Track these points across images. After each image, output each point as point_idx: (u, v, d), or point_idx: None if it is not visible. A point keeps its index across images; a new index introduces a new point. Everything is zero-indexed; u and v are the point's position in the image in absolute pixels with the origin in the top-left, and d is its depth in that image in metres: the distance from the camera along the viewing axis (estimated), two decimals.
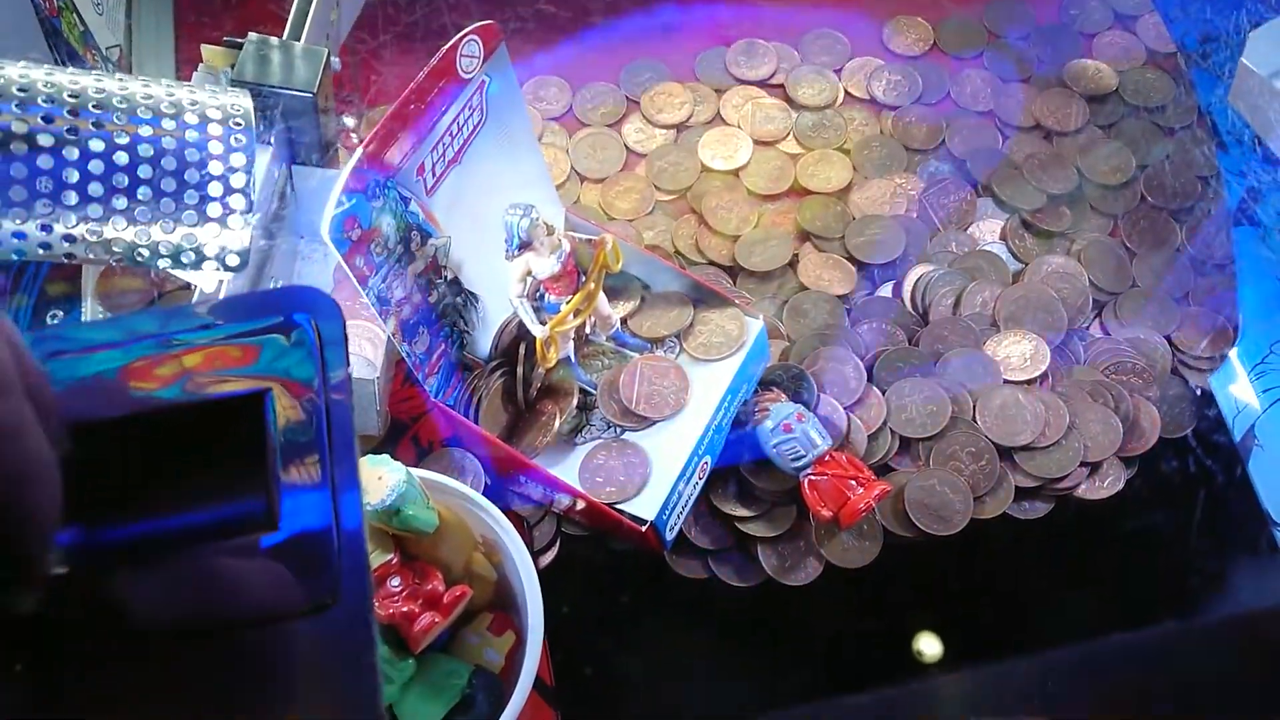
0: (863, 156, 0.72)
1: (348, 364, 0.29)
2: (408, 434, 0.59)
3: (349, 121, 0.66)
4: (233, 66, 0.50)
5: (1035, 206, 0.69)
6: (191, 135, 0.37)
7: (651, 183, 0.70)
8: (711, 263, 0.67)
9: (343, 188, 0.43)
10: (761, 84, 0.75)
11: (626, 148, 0.71)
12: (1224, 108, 0.70)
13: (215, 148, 0.37)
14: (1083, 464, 0.60)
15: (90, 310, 0.58)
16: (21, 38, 0.53)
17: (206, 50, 0.51)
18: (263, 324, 0.29)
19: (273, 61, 0.50)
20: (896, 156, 0.72)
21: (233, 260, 0.38)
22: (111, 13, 0.67)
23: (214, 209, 0.37)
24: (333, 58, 0.59)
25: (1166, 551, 0.60)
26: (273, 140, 0.49)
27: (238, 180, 0.37)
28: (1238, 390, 0.64)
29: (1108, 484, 0.60)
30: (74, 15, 0.61)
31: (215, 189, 0.37)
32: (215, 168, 0.37)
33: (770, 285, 0.66)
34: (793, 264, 0.67)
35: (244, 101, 0.38)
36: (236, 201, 0.37)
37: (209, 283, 0.41)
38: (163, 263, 0.37)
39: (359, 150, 0.43)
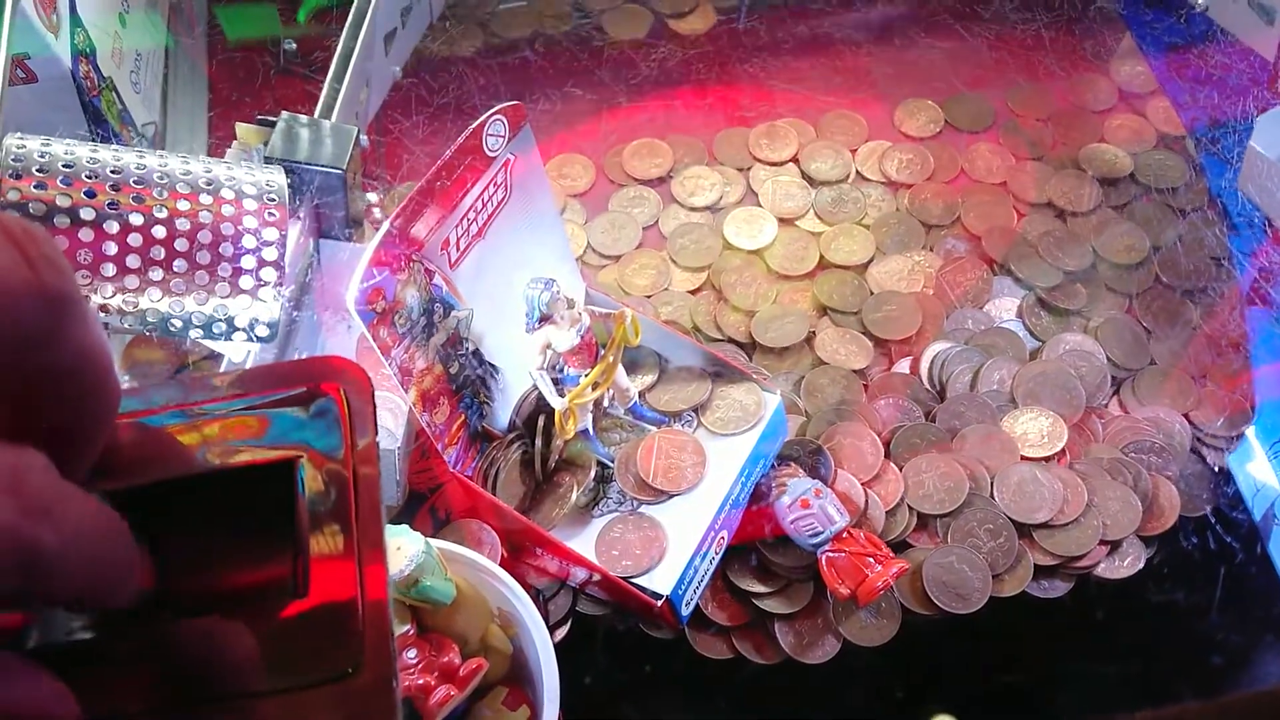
0: (881, 233, 0.73)
1: (375, 433, 0.30)
2: (425, 504, 0.59)
3: (373, 198, 0.68)
4: (265, 144, 0.51)
5: (1051, 284, 0.70)
6: (227, 210, 0.38)
7: (670, 259, 0.71)
8: (729, 339, 0.68)
9: (369, 261, 0.44)
10: (782, 164, 0.77)
11: (643, 226, 0.73)
12: (1234, 191, 0.71)
13: (250, 222, 0.38)
14: (1102, 542, 0.60)
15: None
16: (66, 116, 0.55)
17: (240, 128, 0.53)
18: (289, 394, 0.30)
19: (304, 139, 0.51)
20: (914, 233, 0.73)
21: (262, 331, 0.39)
22: (148, 91, 0.69)
23: (246, 281, 0.38)
24: (362, 135, 0.61)
25: (1188, 631, 0.59)
26: (302, 215, 0.51)
27: (270, 254, 0.38)
28: (1256, 469, 0.64)
29: (1127, 563, 0.60)
30: (113, 94, 0.63)
31: (248, 262, 0.38)
32: (249, 242, 0.38)
33: (787, 361, 0.67)
34: (809, 340, 0.68)
35: (278, 178, 0.39)
36: (268, 274, 0.38)
37: (238, 353, 0.42)
38: (195, 333, 0.38)
39: (386, 224, 0.45)
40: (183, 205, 0.37)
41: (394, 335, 0.47)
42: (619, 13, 0.83)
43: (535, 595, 0.58)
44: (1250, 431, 0.65)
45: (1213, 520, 0.62)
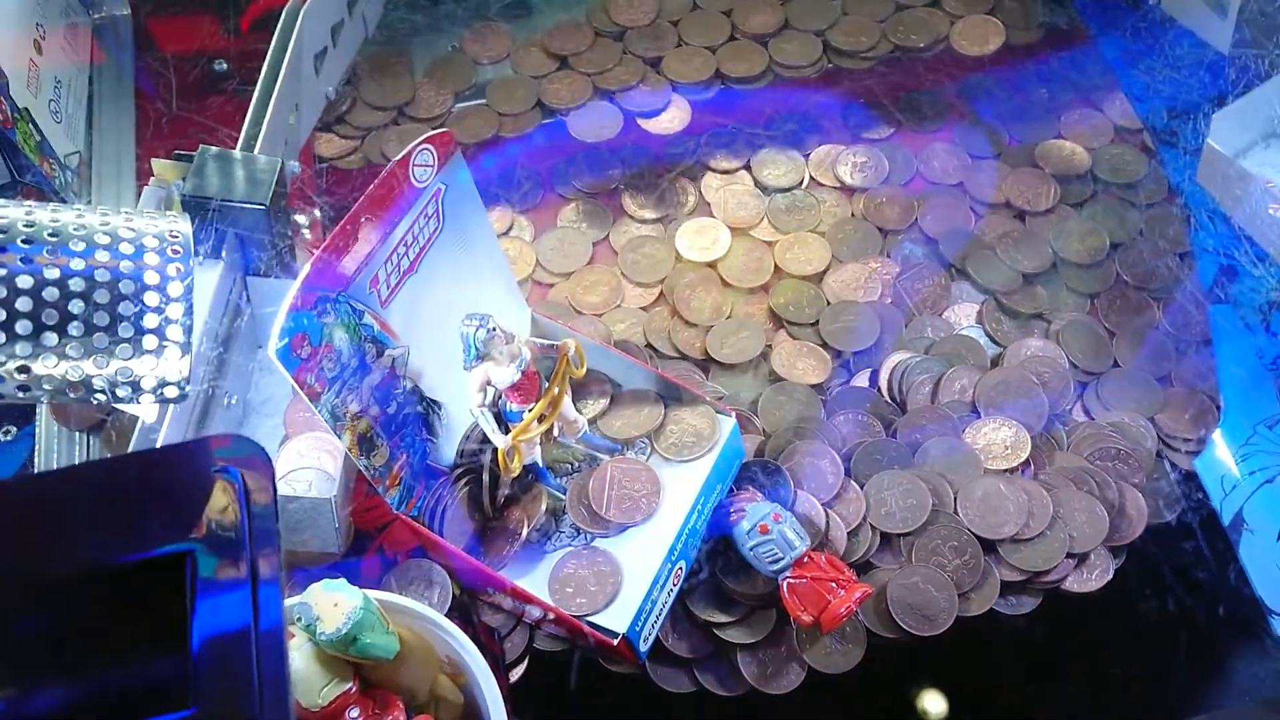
0: (836, 240, 0.71)
1: (276, 528, 0.28)
2: (374, 545, 0.57)
3: (301, 219, 0.65)
4: (185, 179, 0.49)
5: (1010, 287, 0.68)
6: (126, 266, 0.36)
7: (621, 274, 0.69)
8: (684, 355, 0.66)
9: (289, 307, 0.42)
10: (733, 171, 0.74)
11: (593, 241, 0.70)
12: (1194, 185, 0.69)
13: (151, 278, 0.36)
14: (1069, 555, 0.58)
15: (44, 428, 0.57)
16: None
17: (157, 164, 0.50)
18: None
19: (224, 173, 0.49)
20: (870, 238, 0.71)
21: (171, 392, 0.36)
22: (71, 120, 0.66)
23: (149, 341, 0.35)
24: (291, 163, 0.58)
25: (1160, 643, 0.58)
26: (224, 254, 0.48)
27: (175, 311, 0.36)
28: (1224, 472, 0.63)
29: (1096, 575, 0.59)
30: (29, 125, 0.60)
31: (151, 320, 0.36)
32: (150, 298, 0.36)
33: (744, 377, 0.65)
34: (766, 354, 0.66)
35: (182, 226, 0.37)
36: (174, 333, 0.36)
37: (150, 414, 0.39)
38: (98, 397, 0.35)
39: (306, 267, 0.42)
40: (76, 264, 0.35)
41: (322, 380, 0.45)
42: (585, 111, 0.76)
43: (490, 633, 0.56)
44: (1217, 434, 0.64)
45: (1181, 526, 0.61)
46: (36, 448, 0.57)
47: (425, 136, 0.47)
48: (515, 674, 0.56)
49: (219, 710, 0.25)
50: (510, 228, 0.71)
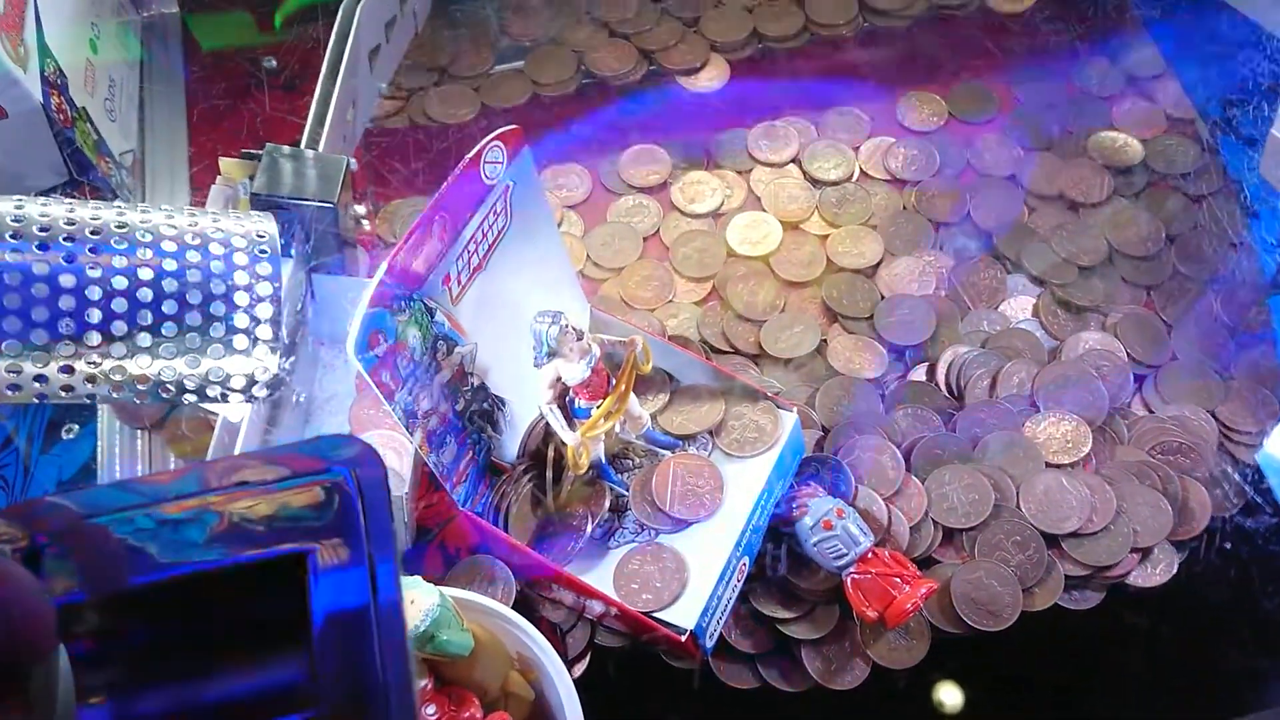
0: (888, 233, 0.71)
1: (391, 520, 0.28)
2: (435, 541, 0.57)
3: (359, 209, 0.65)
4: (251, 178, 0.49)
5: (1065, 280, 0.68)
6: (216, 266, 0.36)
7: (673, 269, 0.69)
8: (737, 350, 0.66)
9: (368, 303, 0.42)
10: (783, 165, 0.74)
11: (644, 236, 0.70)
12: (1251, 173, 0.69)
13: (241, 278, 0.36)
14: (1133, 550, 0.58)
15: (105, 426, 0.57)
16: (39, 152, 0.53)
17: (225, 163, 0.50)
18: (305, 479, 0.28)
19: (290, 171, 0.49)
20: (922, 231, 0.71)
21: (260, 391, 0.36)
22: (124, 117, 0.66)
23: (240, 341, 0.35)
24: (350, 160, 0.58)
25: (1225, 638, 0.58)
26: (294, 251, 0.48)
27: (264, 310, 0.36)
28: None
29: (1160, 570, 0.58)
30: (87, 125, 0.60)
31: (241, 320, 0.36)
32: (241, 298, 0.36)
33: (799, 371, 0.65)
34: (821, 349, 0.65)
35: (269, 227, 0.37)
36: (264, 332, 0.36)
37: (236, 413, 0.39)
38: (188, 398, 0.36)
39: (384, 264, 0.42)
40: (169, 264, 0.35)
41: (396, 378, 0.45)
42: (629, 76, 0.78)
43: (552, 630, 0.56)
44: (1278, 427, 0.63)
45: (1245, 519, 0.60)
46: (99, 445, 0.58)
47: (495, 134, 0.47)
48: (578, 670, 0.55)
49: (343, 704, 0.25)
50: (560, 222, 0.71)
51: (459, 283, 0.48)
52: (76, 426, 0.58)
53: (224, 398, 0.36)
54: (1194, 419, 0.63)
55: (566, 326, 0.47)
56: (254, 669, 0.27)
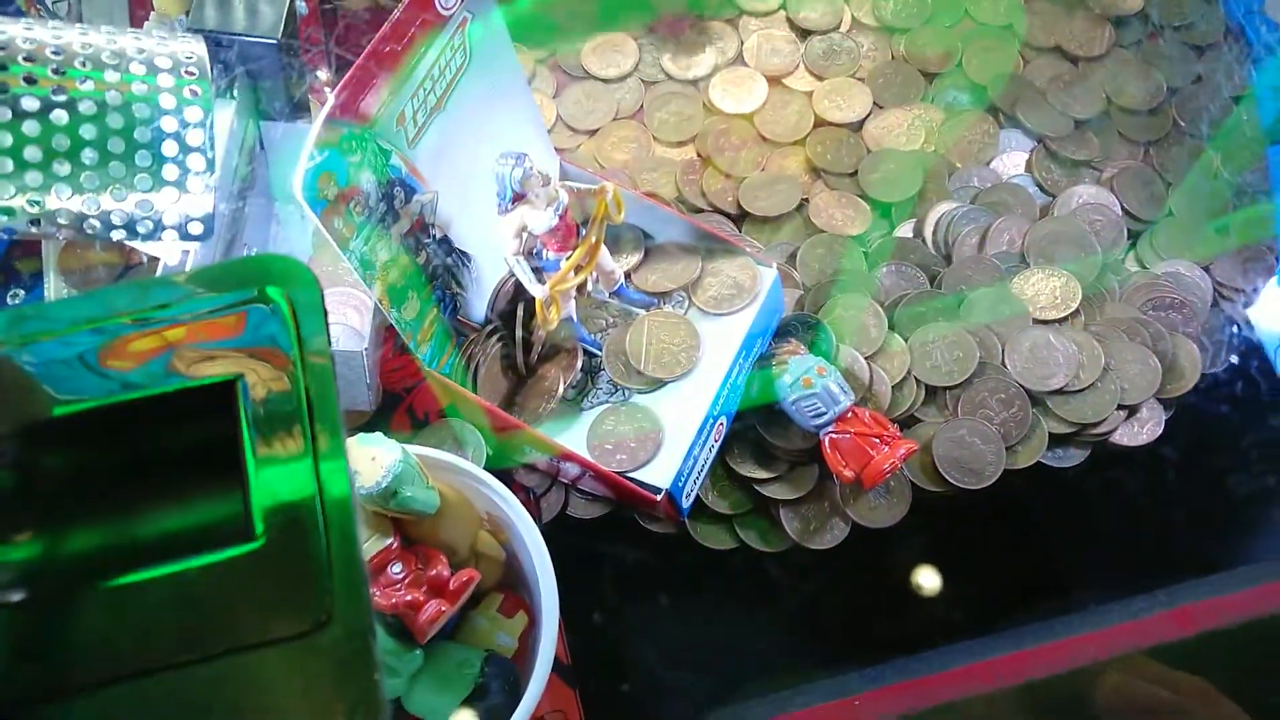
0: (876, 85, 0.67)
1: (326, 332, 0.25)
2: (402, 405, 0.55)
3: (321, 75, 0.61)
4: (188, 14, 0.45)
5: (1061, 133, 0.65)
6: (139, 89, 0.33)
7: (653, 137, 0.65)
8: (715, 209, 0.63)
9: (315, 141, 0.39)
10: (770, 13, 0.70)
11: (619, 99, 0.67)
12: (1253, 18, 0.65)
13: (167, 101, 0.33)
14: (1120, 407, 0.56)
15: (54, 288, 0.54)
16: None
17: None
18: (237, 297, 0.26)
19: (231, 6, 0.45)
20: (912, 83, 0.68)
21: (195, 228, 0.34)
22: None
23: (170, 171, 0.33)
24: (299, 1, 0.54)
25: (1210, 496, 0.57)
26: (235, 94, 0.45)
27: (194, 137, 0.33)
28: (1278, 320, 0.60)
29: (1146, 428, 0.57)
30: None
31: (170, 148, 0.33)
32: (168, 124, 0.33)
33: (780, 230, 0.62)
34: (802, 206, 0.63)
35: (197, 48, 0.34)
36: (195, 162, 0.33)
37: (172, 254, 0.37)
38: (116, 234, 0.33)
39: (331, 98, 0.39)
40: (86, 85, 0.32)
41: (350, 225, 0.42)
42: None
43: (525, 494, 0.55)
44: (1272, 281, 0.61)
45: (1235, 377, 0.59)
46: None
47: None
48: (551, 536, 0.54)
49: (282, 543, 0.23)
50: (532, 77, 0.68)
51: (415, 123, 0.45)
52: (21, 291, 0.56)
53: (156, 235, 0.33)
54: (1188, 275, 0.61)
55: (531, 169, 0.45)
56: (187, 501, 0.25)
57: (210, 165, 0.33)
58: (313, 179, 0.39)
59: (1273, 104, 0.64)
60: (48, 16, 0.58)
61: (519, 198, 0.45)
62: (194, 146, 0.33)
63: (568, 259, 0.48)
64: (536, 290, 0.48)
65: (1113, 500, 0.57)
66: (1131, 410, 0.57)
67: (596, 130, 0.66)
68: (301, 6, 0.55)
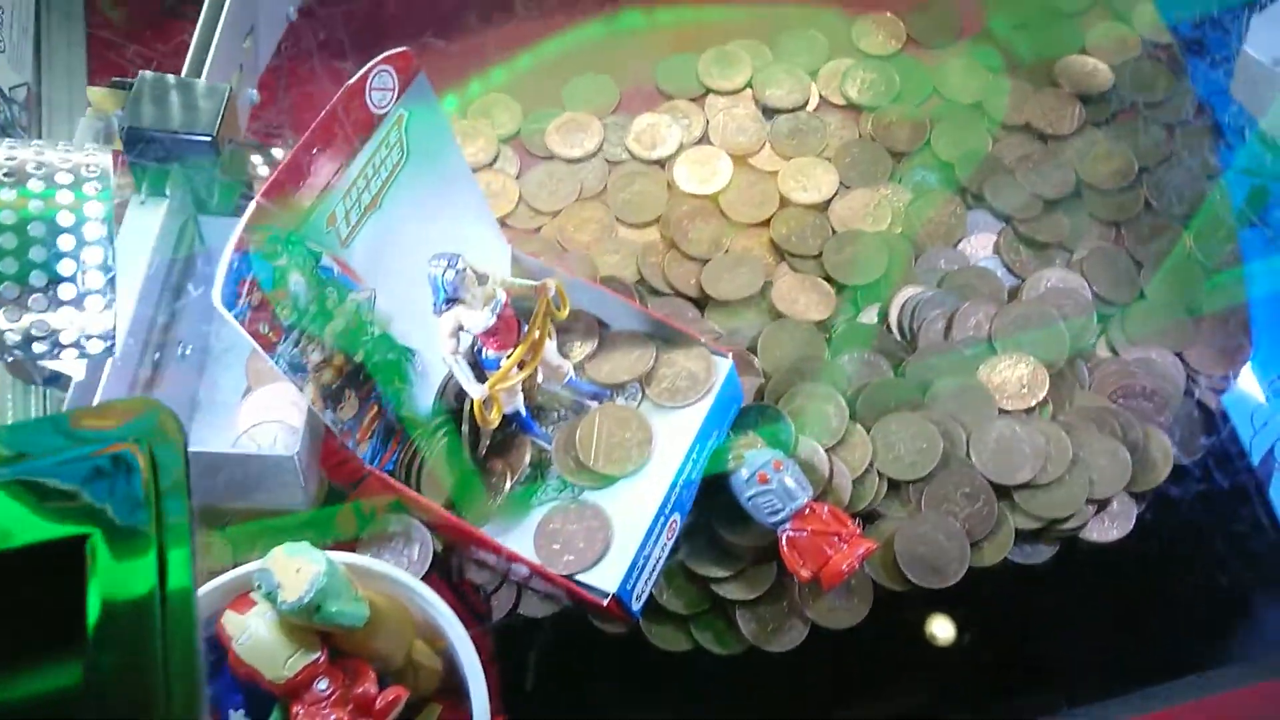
0: (843, 164, 0.66)
1: (189, 497, 0.24)
2: (349, 499, 0.54)
3: (278, 154, 0.61)
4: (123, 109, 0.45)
5: (1029, 214, 0.64)
6: (35, 206, 0.31)
7: (616, 219, 0.64)
8: (678, 293, 0.62)
9: (233, 248, 0.38)
10: (736, 92, 0.70)
11: (582, 179, 0.66)
12: (1225, 99, 0.64)
13: (65, 219, 0.32)
14: (1089, 501, 0.55)
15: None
16: None
17: (94, 93, 0.46)
18: (88, 451, 0.24)
19: (167, 103, 0.44)
20: (879, 162, 0.67)
21: (95, 346, 0.33)
22: (16, 49, 0.62)
23: (66, 290, 0.32)
24: (249, 90, 0.54)
25: (1186, 594, 0.55)
26: (169, 190, 0.44)
27: (92, 255, 0.32)
28: (1254, 408, 0.59)
29: (1117, 523, 0.55)
30: None
31: (66, 267, 0.32)
32: (65, 242, 0.32)
33: (743, 315, 0.61)
34: (766, 290, 0.62)
35: (100, 159, 0.33)
36: (93, 279, 0.32)
37: (76, 369, 0.36)
38: (10, 356, 0.32)
39: (252, 205, 0.38)
40: None
41: (277, 329, 0.41)
42: None
43: (475, 590, 0.54)
44: (1247, 367, 0.60)
45: (1209, 467, 0.57)
46: None
47: (383, 56, 0.42)
48: (498, 635, 0.53)
49: (113, 680, 0.22)
50: (495, 159, 0.67)
51: (348, 223, 0.44)
52: None
53: (55, 355, 0.32)
54: (1160, 361, 0.59)
55: (464, 270, 0.43)
56: (22, 671, 0.23)
57: (111, 282, 0.32)
58: (233, 285, 0.38)
59: (1243, 187, 0.63)
60: (6, 109, 0.58)
61: (453, 299, 0.44)
62: (92, 264, 0.32)
63: (509, 356, 0.47)
64: (474, 390, 0.46)
65: (1084, 598, 0.55)
66: (1102, 504, 0.55)
67: (559, 211, 0.65)
68: (253, 95, 0.54)
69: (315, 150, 0.40)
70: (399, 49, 0.43)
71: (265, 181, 0.39)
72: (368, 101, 0.42)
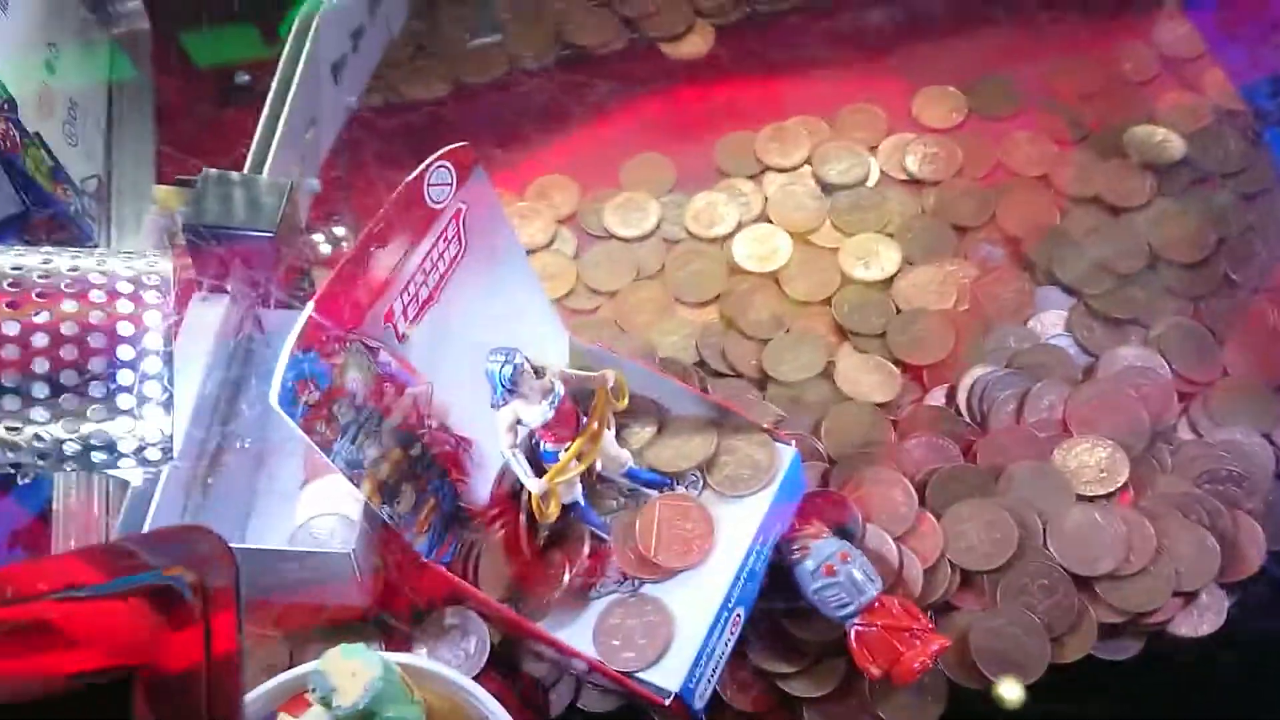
0: (905, 240, 0.65)
1: (240, 628, 0.23)
2: (406, 593, 0.53)
3: (340, 232, 0.61)
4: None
5: (1102, 288, 0.62)
6: (96, 316, 0.32)
7: (674, 298, 0.64)
8: (738, 373, 0.61)
9: (290, 349, 0.37)
10: (794, 169, 0.69)
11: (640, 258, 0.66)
12: None
13: (125, 329, 0.32)
14: (1176, 593, 0.52)
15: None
16: None
17: (159, 191, 0.47)
18: (140, 581, 0.24)
19: (229, 199, 0.45)
20: (943, 238, 0.65)
21: (153, 454, 0.32)
22: (88, 141, 0.63)
23: (125, 400, 0.32)
24: (311, 180, 0.54)
25: None
26: (230, 286, 0.44)
27: (152, 365, 0.32)
28: None
29: (1207, 616, 0.52)
30: (41, 151, 0.57)
31: (125, 377, 0.32)
32: (125, 352, 0.32)
33: (806, 396, 0.60)
34: (828, 371, 0.60)
35: (160, 267, 0.33)
36: (151, 389, 0.32)
37: (135, 475, 0.36)
38: (69, 465, 0.32)
39: (310, 305, 0.38)
40: (40, 316, 0.31)
41: (334, 427, 0.41)
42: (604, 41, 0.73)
43: (534, 684, 0.52)
44: None
45: None
46: (55, 490, 0.54)
47: (441, 152, 0.42)
48: None
49: None
50: (553, 239, 0.67)
51: (405, 318, 0.43)
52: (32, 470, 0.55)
53: (113, 464, 0.32)
54: (1247, 443, 0.57)
55: (522, 365, 0.43)
56: None
57: (168, 391, 0.32)
58: (289, 387, 0.38)
59: None
60: (78, 201, 0.59)
61: (512, 392, 0.44)
62: (151, 374, 0.32)
63: (567, 449, 0.46)
64: (532, 485, 0.45)
65: (1175, 696, 0.52)
66: (1190, 596, 0.52)
67: (617, 291, 0.65)
68: (314, 185, 0.55)
69: (373, 248, 0.40)
70: (458, 144, 0.43)
71: (324, 283, 0.39)
72: (425, 198, 0.42)
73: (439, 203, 0.43)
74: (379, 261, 0.41)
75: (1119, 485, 0.54)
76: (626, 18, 0.73)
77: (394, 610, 0.52)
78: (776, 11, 0.74)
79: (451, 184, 0.43)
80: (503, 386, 0.43)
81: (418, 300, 0.44)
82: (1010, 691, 0.50)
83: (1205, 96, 0.69)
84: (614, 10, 0.74)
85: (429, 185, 0.42)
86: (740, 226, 0.66)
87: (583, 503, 0.50)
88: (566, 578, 0.50)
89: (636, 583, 0.50)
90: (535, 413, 0.44)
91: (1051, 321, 0.62)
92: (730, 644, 0.50)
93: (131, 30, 0.70)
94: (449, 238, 0.44)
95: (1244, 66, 0.68)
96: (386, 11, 0.65)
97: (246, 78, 0.68)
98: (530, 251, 0.66)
